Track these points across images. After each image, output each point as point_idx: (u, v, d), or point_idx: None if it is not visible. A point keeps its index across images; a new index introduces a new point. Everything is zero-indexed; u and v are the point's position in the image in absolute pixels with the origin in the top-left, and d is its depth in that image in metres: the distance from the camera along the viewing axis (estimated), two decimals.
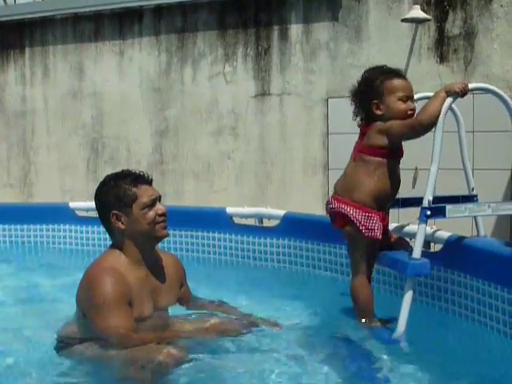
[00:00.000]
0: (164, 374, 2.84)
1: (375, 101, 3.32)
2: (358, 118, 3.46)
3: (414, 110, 3.31)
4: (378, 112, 3.32)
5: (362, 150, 3.40)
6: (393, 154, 3.36)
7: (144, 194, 3.25)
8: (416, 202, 3.36)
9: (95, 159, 6.24)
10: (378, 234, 3.28)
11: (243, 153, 5.72)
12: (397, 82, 3.33)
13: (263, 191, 5.66)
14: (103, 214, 3.30)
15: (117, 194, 3.23)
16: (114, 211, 3.22)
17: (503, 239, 4.31)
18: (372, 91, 3.33)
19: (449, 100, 3.17)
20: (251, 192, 5.69)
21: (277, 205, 5.31)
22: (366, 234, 3.28)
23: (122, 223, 3.22)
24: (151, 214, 3.24)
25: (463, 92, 3.16)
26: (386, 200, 3.38)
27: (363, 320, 3.41)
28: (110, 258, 3.24)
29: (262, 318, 3.45)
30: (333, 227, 3.46)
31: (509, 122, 3.35)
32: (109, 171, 5.75)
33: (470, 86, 3.19)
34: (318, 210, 5.39)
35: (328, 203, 3.47)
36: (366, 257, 3.40)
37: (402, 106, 3.30)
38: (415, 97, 3.42)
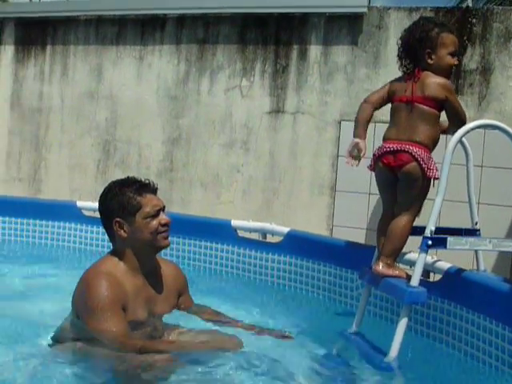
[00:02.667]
0: (154, 378, 2.88)
1: (429, 50, 3.51)
2: (399, 64, 3.70)
3: (457, 65, 3.66)
4: (429, 61, 3.52)
5: (419, 100, 3.50)
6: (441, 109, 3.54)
7: (148, 203, 3.26)
8: (419, 230, 3.39)
9: (106, 161, 6.28)
10: (437, 174, 3.38)
11: (253, 167, 5.75)
12: (451, 36, 3.57)
13: (269, 207, 5.69)
14: (106, 220, 3.31)
15: (121, 202, 3.24)
16: (117, 219, 3.24)
17: (503, 276, 4.35)
18: (428, 40, 3.52)
19: (458, 134, 3.22)
20: (257, 206, 5.71)
21: (281, 221, 5.34)
22: (428, 173, 3.40)
23: (125, 231, 3.24)
24: (154, 223, 3.25)
25: None
26: (433, 149, 3.54)
27: (386, 262, 3.46)
28: (107, 263, 3.26)
29: (271, 329, 3.50)
30: (387, 167, 3.54)
31: None
32: (118, 174, 5.91)
33: (481, 122, 3.25)
34: (321, 229, 5.43)
35: (380, 148, 3.57)
36: (421, 197, 3.50)
37: (451, 60, 3.56)
38: None
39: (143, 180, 3.37)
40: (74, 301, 3.22)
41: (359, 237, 5.22)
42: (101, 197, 3.36)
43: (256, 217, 5.51)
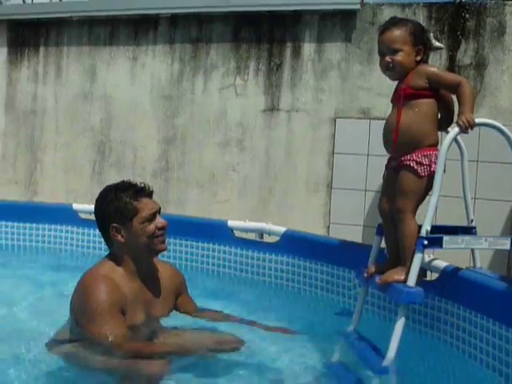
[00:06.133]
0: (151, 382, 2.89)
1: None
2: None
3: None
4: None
5: None
6: None
7: (145, 207, 3.26)
8: None
9: (101, 162, 6.26)
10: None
11: (248, 166, 5.75)
12: None
13: (265, 205, 5.69)
14: (102, 225, 3.32)
15: (117, 208, 3.24)
16: (114, 224, 3.24)
17: (500, 272, 4.35)
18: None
19: (453, 132, 3.21)
20: (253, 205, 5.72)
21: (278, 220, 5.35)
22: None
23: (122, 236, 3.24)
24: (151, 227, 3.26)
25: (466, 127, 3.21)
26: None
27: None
28: (105, 266, 3.26)
29: (273, 326, 3.56)
30: None
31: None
32: (114, 175, 5.92)
33: (477, 120, 3.23)
34: (318, 227, 5.44)
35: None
36: None
37: None
38: None
39: (138, 184, 3.37)
40: (73, 305, 3.22)
41: (356, 234, 5.23)
42: (96, 202, 3.36)
43: (252, 215, 5.52)
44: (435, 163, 3.26)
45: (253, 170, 5.74)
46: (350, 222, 5.31)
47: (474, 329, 3.26)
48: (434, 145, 3.34)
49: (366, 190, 5.23)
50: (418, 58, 3.42)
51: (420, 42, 3.42)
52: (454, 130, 3.22)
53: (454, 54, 5.11)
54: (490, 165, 4.85)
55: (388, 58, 3.42)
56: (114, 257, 3.30)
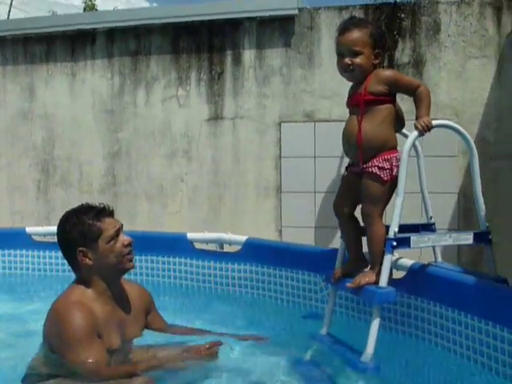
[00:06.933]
0: None
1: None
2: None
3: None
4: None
5: None
6: None
7: (108, 226, 3.26)
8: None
9: (46, 181, 6.17)
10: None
11: (196, 176, 5.77)
12: None
13: (216, 214, 5.72)
14: (68, 251, 3.28)
15: (81, 231, 3.22)
16: (80, 248, 3.21)
17: (450, 261, 4.49)
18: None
19: (413, 136, 3.31)
20: (204, 214, 5.74)
21: (230, 227, 5.39)
22: None
23: (90, 259, 3.22)
24: (118, 245, 3.26)
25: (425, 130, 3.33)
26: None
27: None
28: (75, 292, 3.22)
29: (244, 335, 3.56)
30: None
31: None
32: (60, 193, 5.88)
33: (434, 122, 3.34)
34: (270, 231, 5.50)
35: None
36: None
37: None
38: None
39: (98, 205, 3.37)
40: (47, 335, 3.17)
41: (308, 235, 5.32)
42: (59, 228, 3.32)
43: (204, 225, 5.55)
44: (396, 166, 3.36)
45: (201, 180, 5.76)
46: (302, 224, 5.39)
47: (445, 322, 3.36)
48: (394, 147, 3.44)
49: (315, 192, 5.32)
50: (376, 61, 3.49)
51: (379, 45, 3.51)
52: (413, 133, 3.32)
53: (392, 54, 5.23)
54: (434, 159, 4.97)
55: (348, 60, 3.46)
56: (82, 281, 3.27)
